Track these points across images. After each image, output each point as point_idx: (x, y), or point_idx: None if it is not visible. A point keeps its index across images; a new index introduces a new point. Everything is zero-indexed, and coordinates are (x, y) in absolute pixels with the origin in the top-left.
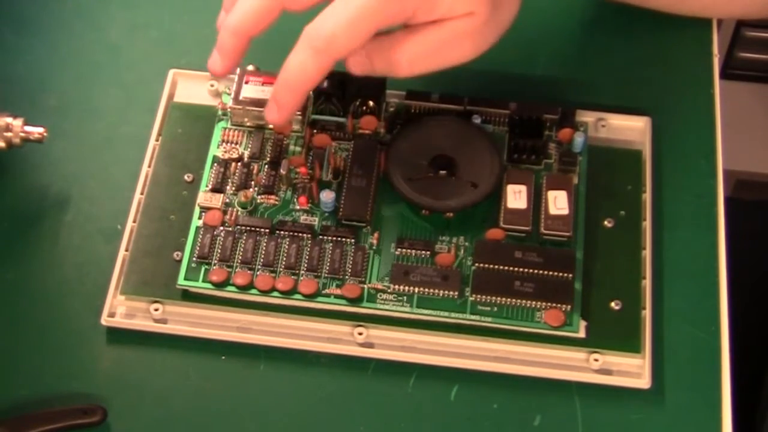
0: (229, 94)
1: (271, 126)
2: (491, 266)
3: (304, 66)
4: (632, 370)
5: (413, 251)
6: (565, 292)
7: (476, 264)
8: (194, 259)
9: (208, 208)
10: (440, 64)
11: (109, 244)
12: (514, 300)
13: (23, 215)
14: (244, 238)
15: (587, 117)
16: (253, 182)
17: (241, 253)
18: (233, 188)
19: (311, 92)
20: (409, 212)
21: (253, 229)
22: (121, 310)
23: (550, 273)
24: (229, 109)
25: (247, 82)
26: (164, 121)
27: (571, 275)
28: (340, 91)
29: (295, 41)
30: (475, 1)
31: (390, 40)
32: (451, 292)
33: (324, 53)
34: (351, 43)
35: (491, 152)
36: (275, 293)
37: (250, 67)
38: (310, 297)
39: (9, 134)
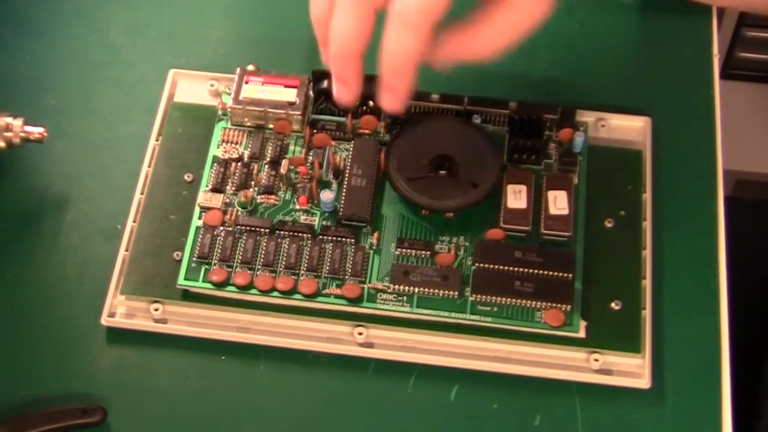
0: (229, 94)
1: (270, 126)
2: (491, 266)
3: (405, 45)
4: (632, 370)
5: (413, 251)
6: (565, 292)
7: (476, 264)
8: (194, 259)
9: (208, 208)
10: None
11: (109, 244)
12: (514, 300)
13: (23, 215)
14: (244, 238)
15: (587, 117)
16: (253, 182)
17: (241, 253)
18: (233, 188)
19: (311, 92)
20: (409, 212)
21: (253, 229)
22: (121, 310)
23: (550, 273)
24: (229, 109)
25: (247, 82)
26: (164, 121)
27: (571, 275)
28: None
29: (293, 40)
30: None
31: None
32: (451, 292)
33: (421, 25)
34: (442, 2)
35: (491, 152)
36: (275, 293)
37: (250, 67)
38: (310, 297)
39: (9, 134)
